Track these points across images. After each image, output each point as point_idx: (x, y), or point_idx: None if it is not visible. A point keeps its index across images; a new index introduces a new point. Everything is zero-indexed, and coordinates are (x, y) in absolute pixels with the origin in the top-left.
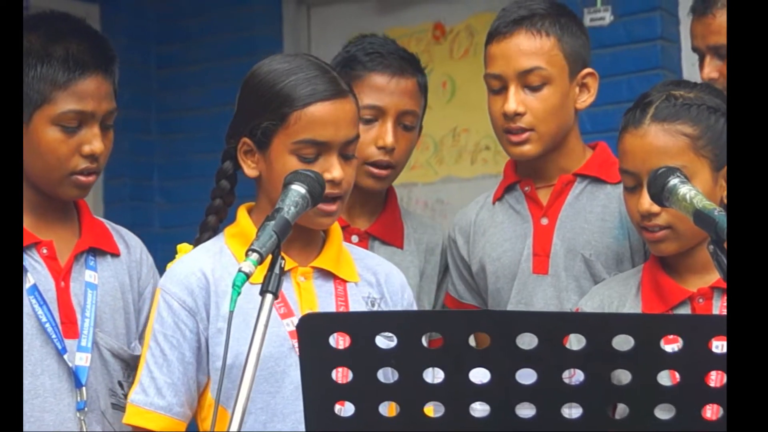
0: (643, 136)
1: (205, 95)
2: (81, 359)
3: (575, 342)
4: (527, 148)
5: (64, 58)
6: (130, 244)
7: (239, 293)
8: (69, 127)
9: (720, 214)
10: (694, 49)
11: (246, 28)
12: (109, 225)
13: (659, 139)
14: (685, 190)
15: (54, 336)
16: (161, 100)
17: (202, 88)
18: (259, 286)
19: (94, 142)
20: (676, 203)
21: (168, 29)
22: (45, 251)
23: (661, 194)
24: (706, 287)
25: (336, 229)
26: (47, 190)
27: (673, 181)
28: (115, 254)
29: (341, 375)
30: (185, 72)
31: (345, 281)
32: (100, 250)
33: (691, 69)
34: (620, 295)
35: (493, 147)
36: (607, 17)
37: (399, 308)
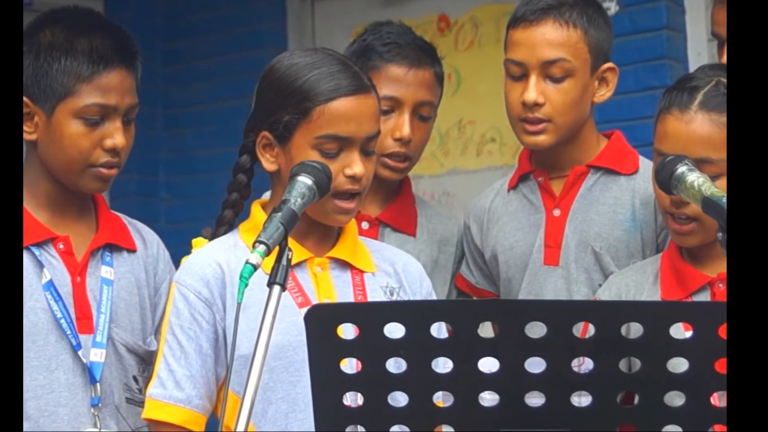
0: (688, 122)
1: (211, 90)
2: (96, 355)
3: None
4: (542, 139)
5: (88, 51)
6: (146, 239)
7: (246, 285)
8: (92, 120)
9: None
10: (714, 35)
11: (251, 22)
12: (127, 220)
13: (705, 129)
14: (693, 177)
15: (69, 332)
16: (167, 95)
17: (208, 83)
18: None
19: (116, 136)
20: (684, 191)
21: (173, 25)
22: (62, 246)
23: (669, 182)
24: (726, 272)
25: (351, 220)
26: (68, 183)
27: (681, 168)
28: (132, 250)
29: (350, 366)
30: (191, 67)
31: (362, 271)
32: (116, 245)
33: (697, 58)
34: (637, 283)
35: (499, 139)
36: (613, 7)
37: (418, 297)
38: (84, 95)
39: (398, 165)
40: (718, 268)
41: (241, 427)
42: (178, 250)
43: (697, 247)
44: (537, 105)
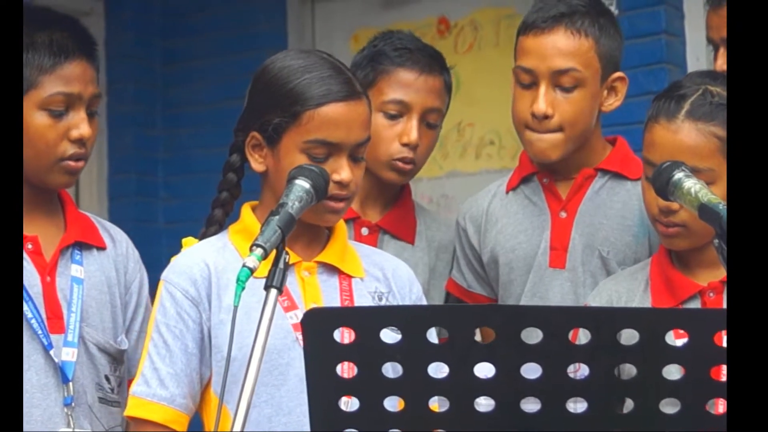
0: (675, 131)
1: (210, 90)
2: (67, 354)
3: (582, 336)
4: (550, 152)
5: (48, 44)
6: (115, 238)
7: (243, 288)
8: (56, 111)
9: (725, 208)
10: (709, 41)
11: (250, 23)
12: (95, 219)
13: (691, 138)
14: (690, 183)
15: (40, 332)
16: (166, 95)
17: (207, 83)
18: (262, 281)
19: (81, 126)
20: (681, 197)
21: (172, 24)
22: (30, 246)
23: (666, 188)
24: (716, 281)
25: (341, 225)
26: (36, 179)
27: (678, 174)
28: (101, 248)
29: (346, 370)
30: (190, 67)
31: (350, 276)
32: (86, 244)
33: (695, 63)
34: (628, 290)
35: (498, 142)
36: (612, 11)
37: (408, 302)
38: (47, 86)
39: (405, 167)
40: (709, 276)
41: (237, 427)
42: (176, 251)
43: (686, 252)
44: (546, 117)
